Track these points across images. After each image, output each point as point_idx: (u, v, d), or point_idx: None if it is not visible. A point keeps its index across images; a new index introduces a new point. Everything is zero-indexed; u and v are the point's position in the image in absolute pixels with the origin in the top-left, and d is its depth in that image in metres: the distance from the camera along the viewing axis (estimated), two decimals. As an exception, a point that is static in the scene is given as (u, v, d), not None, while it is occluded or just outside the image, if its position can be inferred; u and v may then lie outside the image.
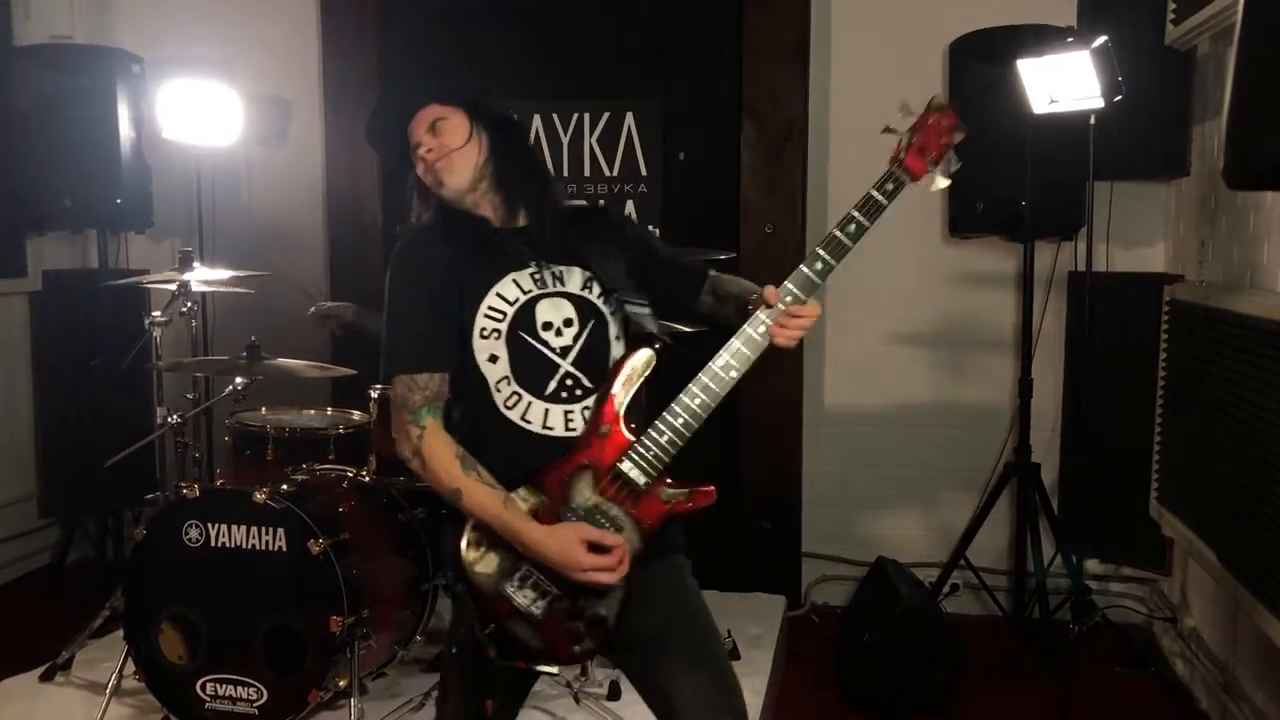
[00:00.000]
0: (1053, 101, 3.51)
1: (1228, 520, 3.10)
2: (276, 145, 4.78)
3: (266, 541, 2.96)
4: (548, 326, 2.03)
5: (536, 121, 4.53)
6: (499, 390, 2.02)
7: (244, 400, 3.44)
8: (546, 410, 2.02)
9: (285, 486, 3.09)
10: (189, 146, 4.32)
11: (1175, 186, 4.05)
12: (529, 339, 2.02)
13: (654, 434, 1.96)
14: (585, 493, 1.98)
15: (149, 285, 3.95)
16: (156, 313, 3.53)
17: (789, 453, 4.38)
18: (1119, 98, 3.38)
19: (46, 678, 3.48)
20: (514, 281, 2.04)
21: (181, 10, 4.77)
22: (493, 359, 2.02)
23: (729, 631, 3.64)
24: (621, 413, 2.00)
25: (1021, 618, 4.12)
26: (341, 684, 2.94)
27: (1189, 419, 3.50)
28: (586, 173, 4.51)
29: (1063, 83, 3.44)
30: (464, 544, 1.98)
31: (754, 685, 3.43)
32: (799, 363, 4.35)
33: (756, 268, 4.29)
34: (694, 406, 1.95)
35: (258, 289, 3.86)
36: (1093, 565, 4.13)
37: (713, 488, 2.01)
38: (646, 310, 2.10)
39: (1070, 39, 3.48)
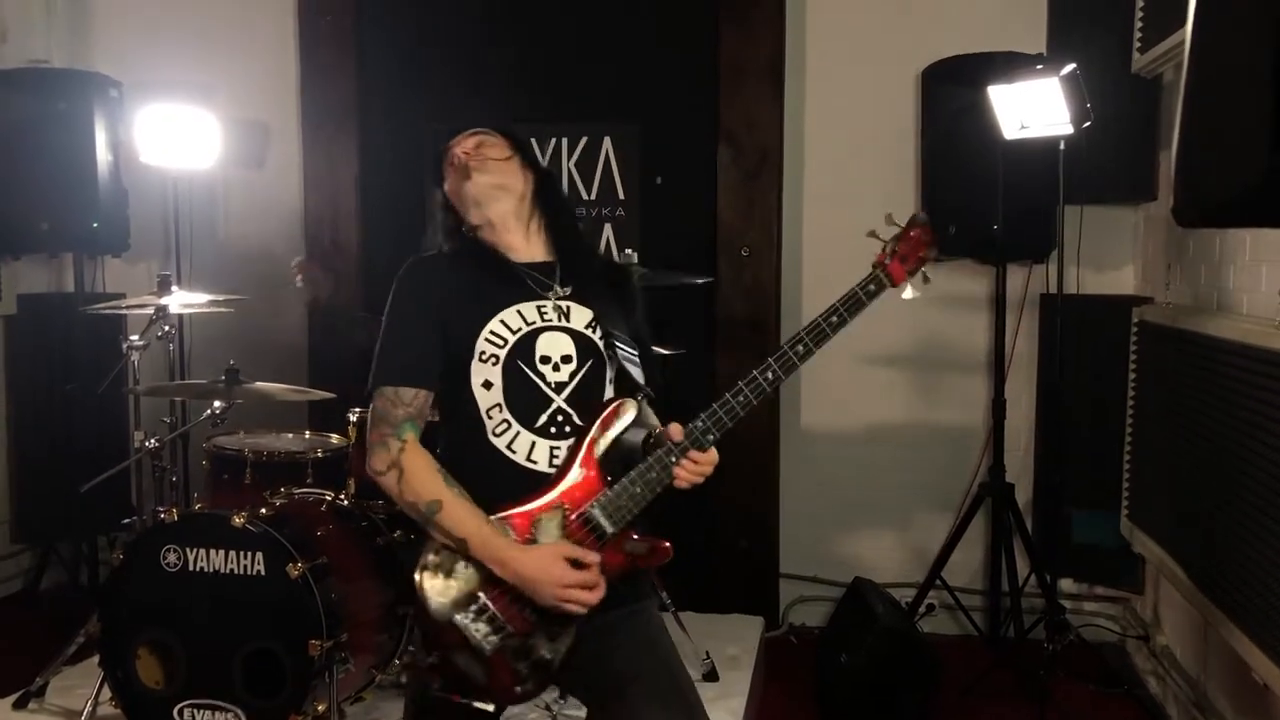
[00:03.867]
0: (1023, 127, 3.57)
1: (1197, 539, 3.14)
2: (254, 169, 4.78)
3: (245, 565, 2.95)
4: (545, 360, 2.04)
5: (514, 146, 4.56)
6: (490, 417, 2.02)
7: (222, 424, 3.44)
8: (534, 443, 2.02)
9: (263, 510, 3.08)
10: (166, 170, 4.33)
11: (1144, 210, 4.12)
12: (526, 369, 2.02)
13: (627, 485, 1.97)
14: (553, 533, 1.97)
15: (128, 311, 3.94)
16: (134, 336, 3.51)
17: (766, 474, 4.41)
18: (1088, 124, 3.45)
19: (20, 705, 3.43)
20: (519, 311, 2.05)
21: (160, 35, 4.78)
22: (487, 385, 2.02)
23: (707, 653, 3.65)
24: (599, 456, 2.00)
25: (997, 637, 4.16)
26: (320, 708, 2.92)
27: (1159, 439, 3.55)
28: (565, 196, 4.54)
29: (1033, 109, 3.51)
30: (423, 567, 1.97)
31: (732, 706, 3.44)
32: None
33: (733, 290, 4.33)
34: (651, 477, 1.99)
35: (235, 312, 3.86)
36: (1066, 584, 4.17)
37: (669, 544, 2.01)
38: (636, 360, 2.12)
39: (1040, 66, 3.55)
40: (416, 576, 1.97)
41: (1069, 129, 3.45)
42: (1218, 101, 1.33)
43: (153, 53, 4.74)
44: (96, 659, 3.12)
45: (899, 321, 4.37)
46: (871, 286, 2.06)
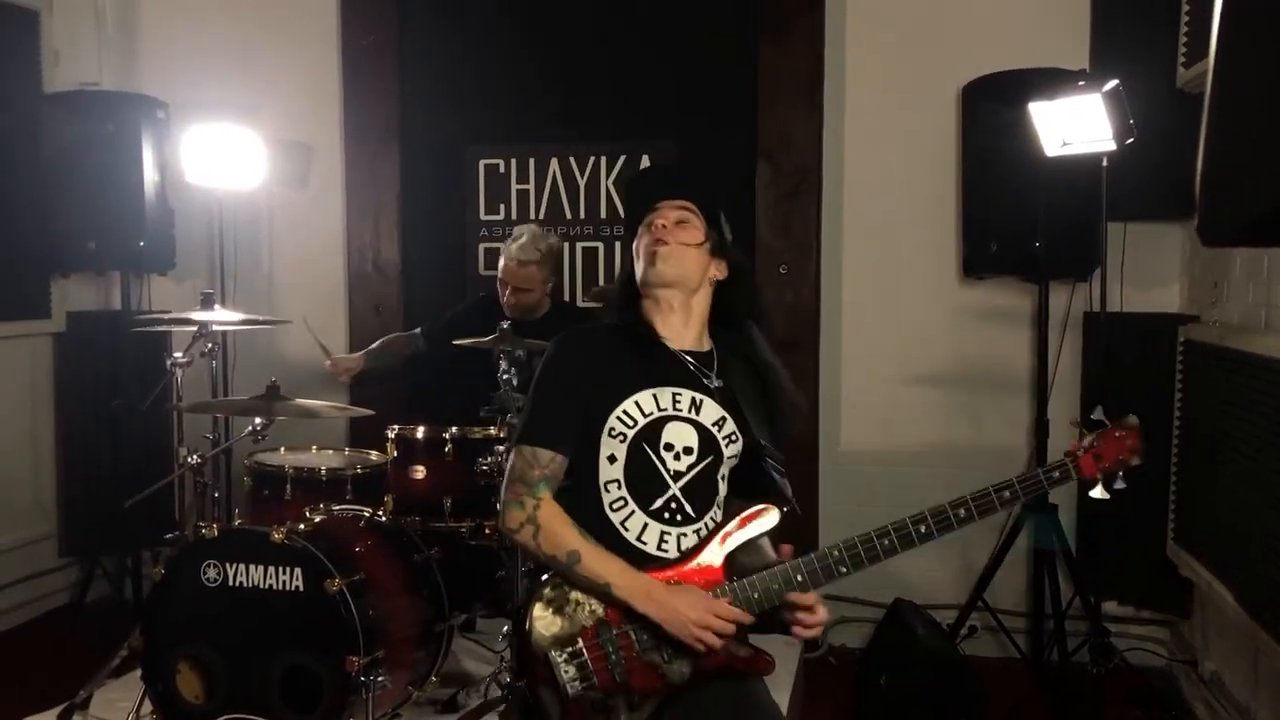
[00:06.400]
0: (1065, 144, 3.53)
1: (1246, 563, 3.08)
2: (297, 189, 4.85)
3: (284, 581, 2.97)
4: (669, 448, 2.11)
5: (554, 164, 4.59)
6: (608, 490, 2.10)
7: (263, 440, 3.46)
8: (646, 524, 2.09)
9: (303, 526, 3.10)
10: (212, 190, 4.39)
11: (1189, 227, 4.05)
12: (650, 452, 2.10)
13: (747, 587, 2.04)
14: None
15: (173, 328, 3.99)
16: (178, 353, 3.56)
17: (805, 493, 4.37)
18: (1131, 140, 3.40)
19: (64, 717, 3.47)
20: (654, 396, 2.11)
21: (206, 57, 4.86)
22: (611, 459, 2.10)
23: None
24: (727, 554, 2.07)
25: (1040, 660, 4.09)
26: (357, 725, 2.94)
27: (1206, 460, 3.49)
28: (603, 215, 4.57)
29: (1075, 125, 3.47)
30: (538, 598, 2.05)
31: (770, 728, 3.41)
32: (814, 403, 4.35)
33: (771, 309, 4.30)
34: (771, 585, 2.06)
35: (277, 330, 3.90)
36: (1111, 607, 4.09)
37: (773, 659, 2.10)
38: (782, 471, 2.16)
39: (1082, 82, 3.51)
40: (534, 603, 2.05)
41: (1112, 145, 3.41)
42: (1243, 119, 1.30)
43: (199, 75, 4.82)
44: (139, 673, 3.16)
45: (940, 340, 4.33)
46: (1056, 474, 2.09)
